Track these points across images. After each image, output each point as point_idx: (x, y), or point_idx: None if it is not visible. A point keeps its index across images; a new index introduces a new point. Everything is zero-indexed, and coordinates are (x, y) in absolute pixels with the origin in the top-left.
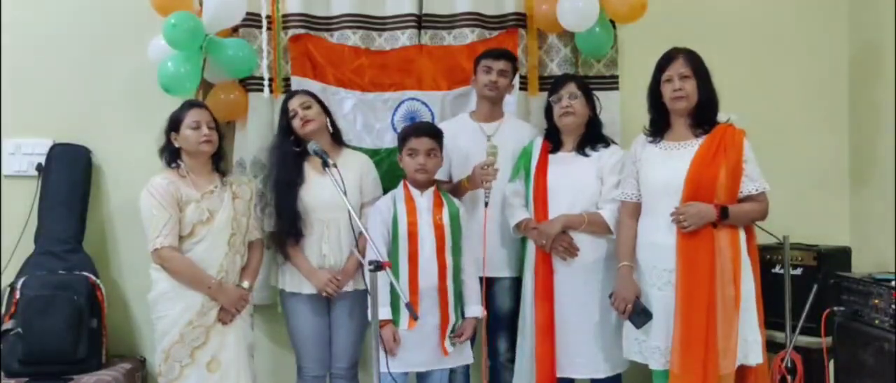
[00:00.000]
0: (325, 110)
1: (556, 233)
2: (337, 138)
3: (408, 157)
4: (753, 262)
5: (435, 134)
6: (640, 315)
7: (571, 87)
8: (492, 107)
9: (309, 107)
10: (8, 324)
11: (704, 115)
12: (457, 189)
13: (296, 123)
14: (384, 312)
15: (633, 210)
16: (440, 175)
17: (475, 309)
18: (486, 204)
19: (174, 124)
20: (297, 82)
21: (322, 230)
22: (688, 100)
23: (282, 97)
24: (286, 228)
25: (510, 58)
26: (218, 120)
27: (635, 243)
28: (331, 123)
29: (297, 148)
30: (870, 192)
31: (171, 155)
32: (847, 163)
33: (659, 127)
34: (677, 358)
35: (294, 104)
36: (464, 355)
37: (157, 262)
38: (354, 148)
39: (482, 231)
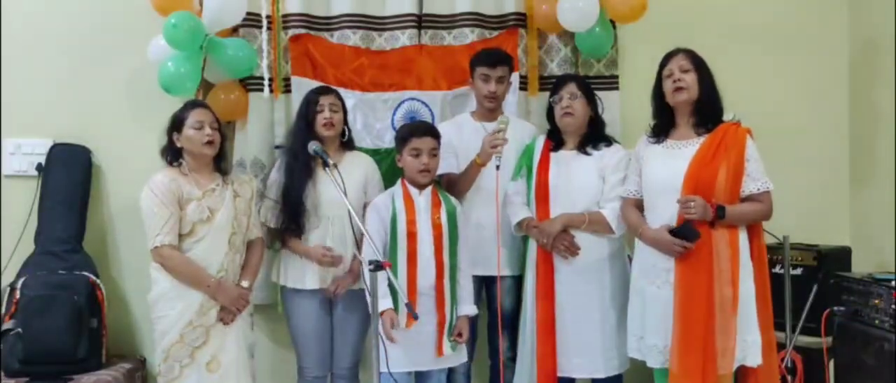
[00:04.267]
0: (345, 116)
1: (556, 231)
2: (348, 143)
3: (411, 158)
4: (760, 263)
5: (436, 133)
6: (690, 230)
7: (572, 88)
8: (492, 108)
9: (337, 112)
10: (8, 324)
11: (707, 114)
12: (467, 172)
13: (319, 119)
14: (385, 302)
15: (634, 205)
16: (450, 169)
17: (468, 307)
18: (498, 167)
19: (177, 124)
20: (297, 82)
21: (327, 226)
22: (688, 92)
23: (282, 97)
24: (289, 221)
25: (506, 61)
26: (221, 120)
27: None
28: (347, 130)
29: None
30: (870, 192)
31: (173, 155)
32: (847, 163)
33: (663, 130)
34: (676, 358)
35: (326, 100)
36: (460, 355)
37: (157, 261)
38: (355, 148)
39: (480, 230)
